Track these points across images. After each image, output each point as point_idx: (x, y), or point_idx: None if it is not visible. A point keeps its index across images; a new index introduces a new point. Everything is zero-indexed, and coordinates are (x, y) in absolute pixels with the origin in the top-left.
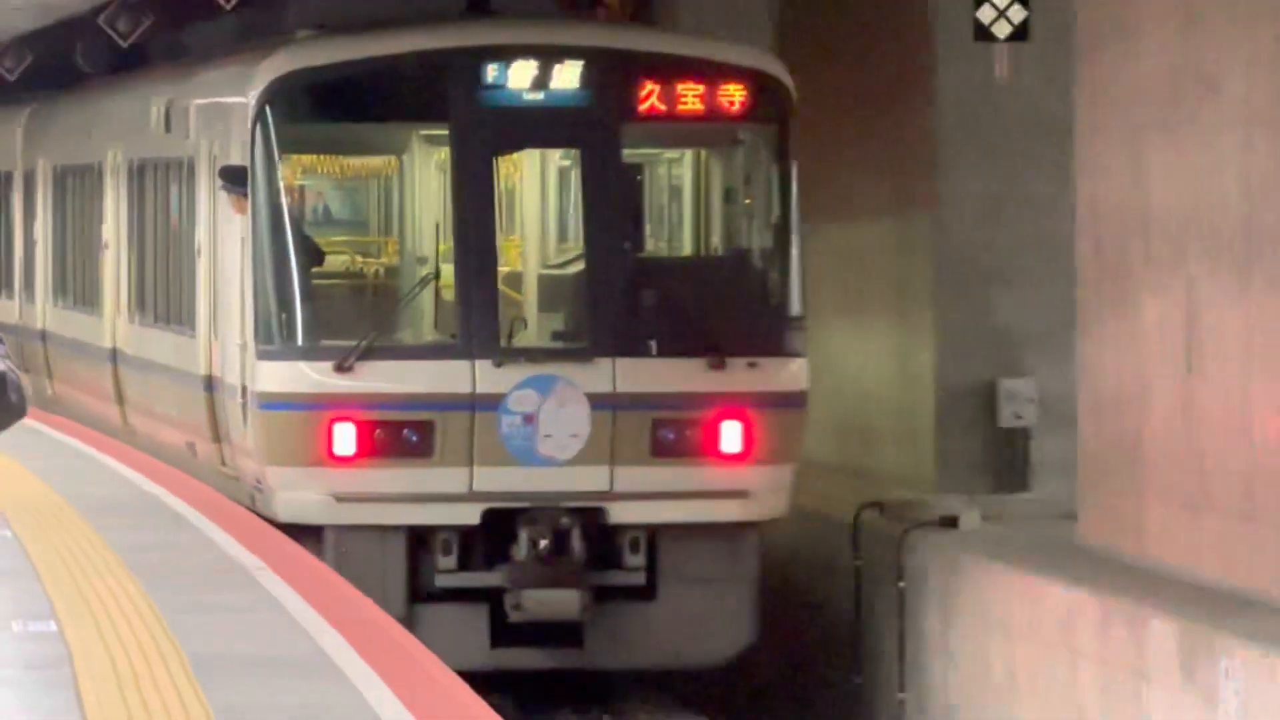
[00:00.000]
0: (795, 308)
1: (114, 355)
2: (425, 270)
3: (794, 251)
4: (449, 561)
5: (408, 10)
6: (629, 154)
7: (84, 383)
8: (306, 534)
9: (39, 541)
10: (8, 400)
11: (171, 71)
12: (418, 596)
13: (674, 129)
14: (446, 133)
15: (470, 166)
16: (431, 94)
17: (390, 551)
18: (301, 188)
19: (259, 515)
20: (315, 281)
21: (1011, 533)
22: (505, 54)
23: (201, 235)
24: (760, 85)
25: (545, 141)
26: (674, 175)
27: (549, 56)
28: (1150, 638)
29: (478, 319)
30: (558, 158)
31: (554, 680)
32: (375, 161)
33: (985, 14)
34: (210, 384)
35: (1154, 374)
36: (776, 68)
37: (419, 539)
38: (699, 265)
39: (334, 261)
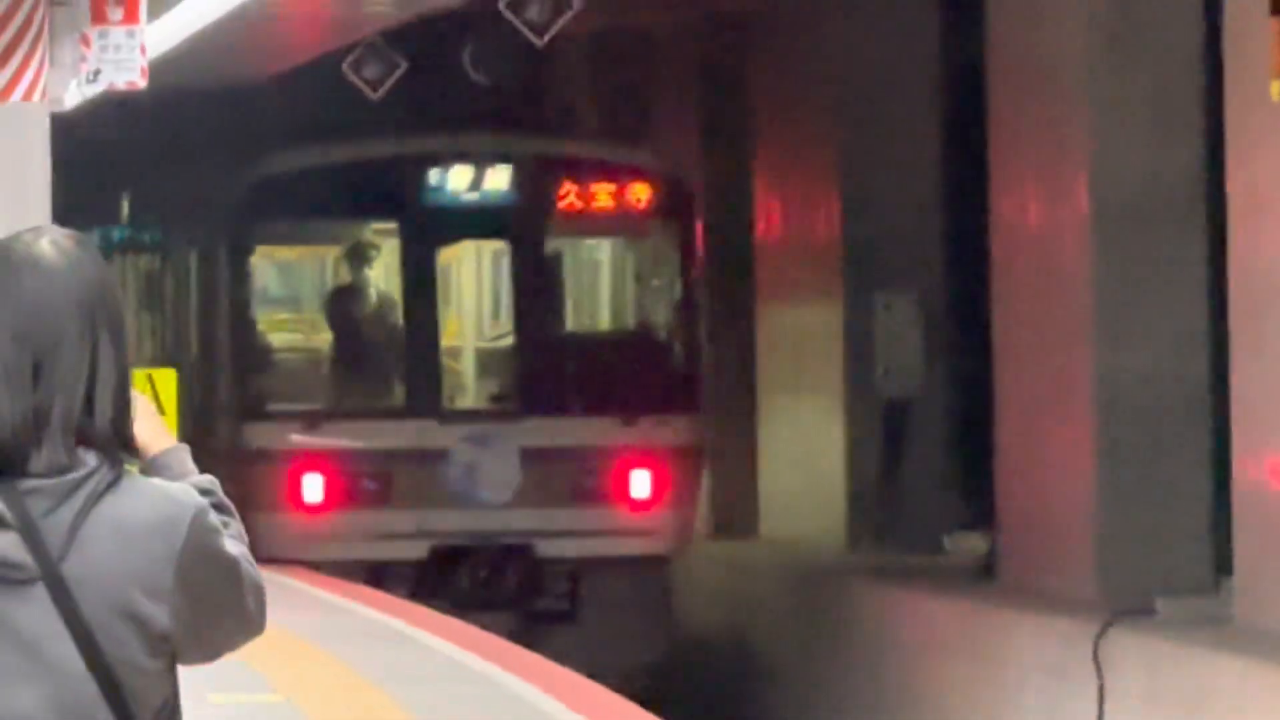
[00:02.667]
0: (696, 373)
1: None
2: (381, 344)
3: (696, 325)
4: (401, 592)
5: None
6: (551, 244)
7: None
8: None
9: None
10: (243, 608)
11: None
12: None
13: (590, 222)
14: (396, 227)
15: (416, 256)
16: (384, 194)
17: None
18: (271, 274)
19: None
20: (286, 355)
21: None
22: (444, 160)
23: (187, 313)
24: (664, 184)
25: (479, 234)
26: (591, 261)
27: (482, 161)
28: None
29: (424, 385)
30: (491, 247)
31: None
32: (336, 251)
33: None
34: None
35: None
36: (679, 170)
37: (376, 572)
38: (613, 338)
39: (302, 338)
